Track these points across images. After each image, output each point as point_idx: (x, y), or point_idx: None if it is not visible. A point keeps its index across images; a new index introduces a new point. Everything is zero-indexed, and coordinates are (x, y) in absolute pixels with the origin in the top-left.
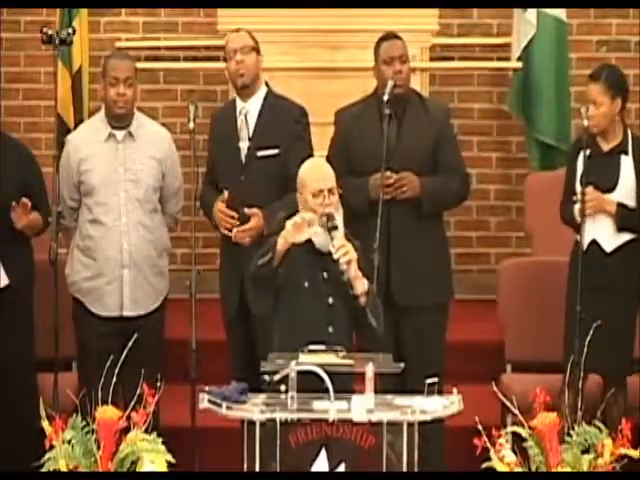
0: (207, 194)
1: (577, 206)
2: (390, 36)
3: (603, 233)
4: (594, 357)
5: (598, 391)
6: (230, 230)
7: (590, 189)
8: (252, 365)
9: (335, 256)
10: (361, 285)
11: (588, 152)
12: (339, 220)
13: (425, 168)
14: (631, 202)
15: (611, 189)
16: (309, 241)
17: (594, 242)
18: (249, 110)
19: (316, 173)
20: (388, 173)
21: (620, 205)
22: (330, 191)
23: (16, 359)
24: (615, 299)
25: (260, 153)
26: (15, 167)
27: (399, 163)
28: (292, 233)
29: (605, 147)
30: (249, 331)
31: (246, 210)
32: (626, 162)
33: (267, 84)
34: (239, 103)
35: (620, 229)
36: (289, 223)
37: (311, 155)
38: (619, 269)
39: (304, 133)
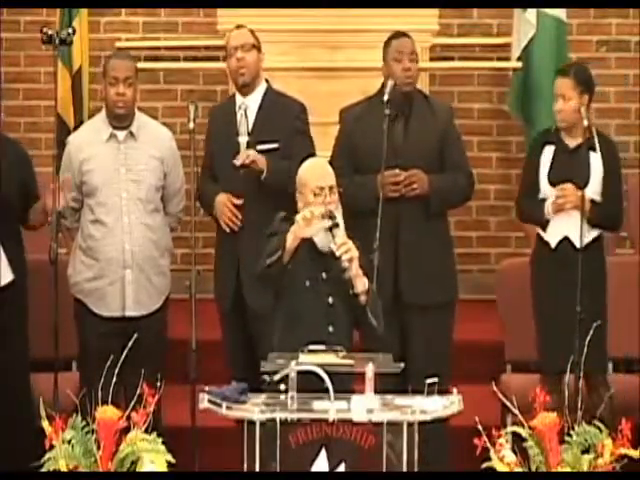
0: (207, 187)
1: (549, 202)
2: (400, 34)
3: (574, 229)
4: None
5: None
6: (231, 226)
7: (570, 185)
8: (249, 363)
9: (337, 253)
10: (362, 283)
11: (553, 148)
12: (339, 218)
13: (432, 166)
14: (597, 198)
15: (583, 185)
16: (310, 240)
17: (565, 238)
18: (249, 105)
19: (316, 171)
20: (397, 171)
21: (591, 201)
22: (331, 189)
23: (11, 359)
24: (587, 295)
25: (260, 147)
26: (13, 167)
27: (406, 161)
28: (302, 228)
29: (571, 143)
30: (245, 327)
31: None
32: (595, 159)
33: (267, 80)
34: (238, 98)
35: (593, 225)
36: (299, 217)
37: (312, 150)
38: (590, 265)
39: (304, 128)
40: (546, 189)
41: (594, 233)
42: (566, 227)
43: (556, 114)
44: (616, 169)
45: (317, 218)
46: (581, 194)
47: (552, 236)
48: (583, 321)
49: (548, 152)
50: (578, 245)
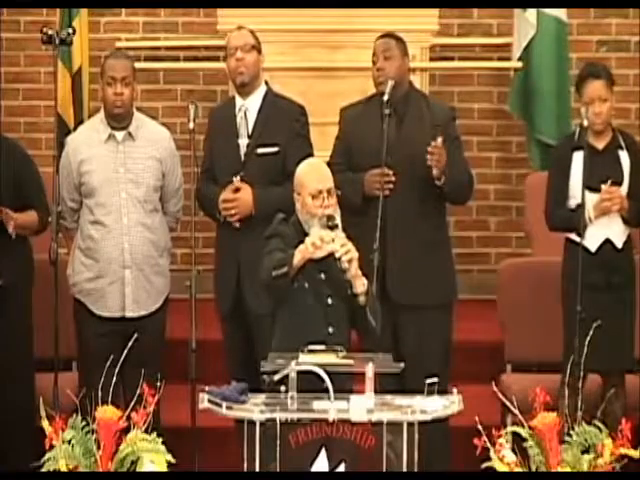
0: (207, 189)
1: (589, 207)
2: (383, 35)
3: (615, 230)
4: (599, 356)
5: (598, 391)
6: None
7: (615, 187)
8: (249, 363)
9: (337, 255)
10: (361, 284)
11: (582, 152)
12: (339, 220)
13: (426, 167)
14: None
15: (619, 185)
16: None
17: (606, 241)
18: (248, 107)
19: (315, 174)
20: (386, 170)
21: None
22: (329, 192)
23: (14, 358)
24: (627, 295)
25: (260, 150)
26: (10, 167)
27: (397, 160)
28: (311, 251)
29: (599, 145)
30: (245, 327)
31: (235, 181)
32: (624, 157)
33: (266, 83)
34: (238, 100)
35: (625, 222)
36: (308, 241)
37: (311, 153)
38: (630, 264)
39: (304, 131)
40: (581, 194)
41: (627, 232)
42: (606, 229)
43: (595, 117)
44: None
45: (327, 243)
46: (624, 195)
47: (592, 240)
48: (584, 321)
49: (578, 157)
50: (620, 246)
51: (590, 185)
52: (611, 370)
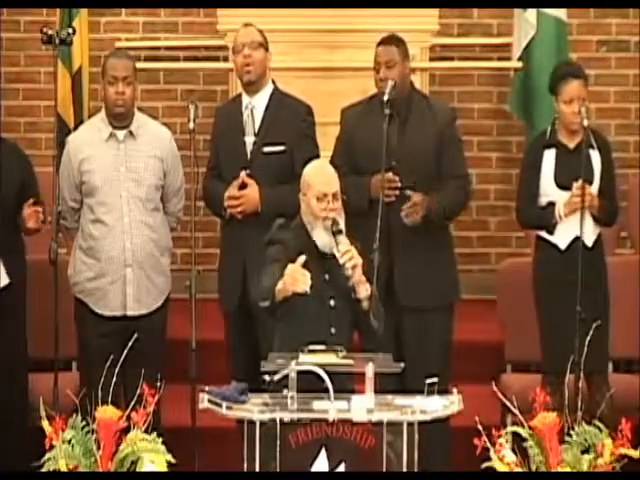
0: (213, 186)
1: (560, 204)
2: (385, 40)
3: (586, 229)
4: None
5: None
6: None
7: (586, 185)
8: (251, 363)
9: (341, 261)
10: (364, 290)
11: (554, 150)
12: (342, 225)
13: (428, 168)
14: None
15: (589, 184)
16: (312, 243)
17: (576, 239)
18: (255, 105)
19: (322, 176)
20: (390, 175)
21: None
22: (334, 196)
23: (8, 359)
24: (597, 294)
25: (266, 149)
26: (13, 169)
27: (401, 162)
28: (292, 285)
29: (570, 144)
30: (249, 327)
31: (241, 175)
32: (595, 156)
33: (273, 81)
34: (245, 98)
35: (595, 221)
36: (286, 277)
37: (317, 154)
38: (598, 263)
39: (310, 131)
40: (553, 192)
41: (597, 231)
42: (576, 227)
43: (573, 117)
44: (612, 164)
45: (303, 275)
46: (594, 193)
47: (562, 238)
48: (584, 321)
49: (549, 155)
50: (590, 244)
51: (561, 183)
52: (588, 371)
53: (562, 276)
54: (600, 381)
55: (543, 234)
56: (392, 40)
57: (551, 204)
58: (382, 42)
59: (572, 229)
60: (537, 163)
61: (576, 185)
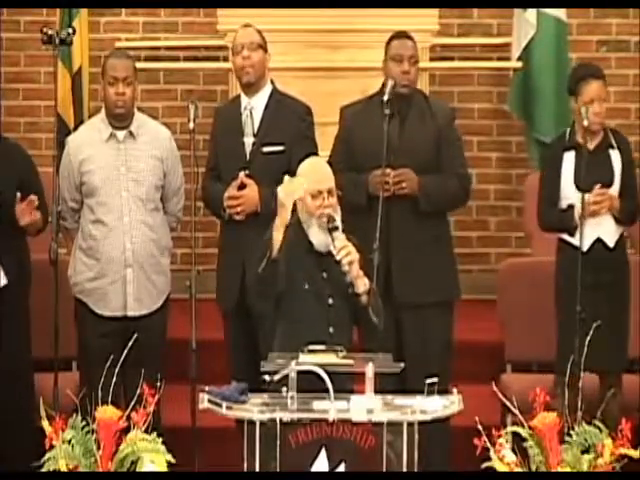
0: (212, 187)
1: (577, 207)
2: (402, 35)
3: (607, 230)
4: (594, 355)
5: (595, 390)
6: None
7: (606, 190)
8: (250, 363)
9: (337, 257)
10: (363, 284)
11: (573, 153)
12: (339, 221)
13: (427, 167)
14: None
15: (610, 184)
16: (308, 242)
17: (597, 240)
18: (254, 106)
19: (315, 174)
20: (388, 170)
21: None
22: (329, 192)
23: (12, 359)
24: (618, 294)
25: (265, 149)
26: (13, 168)
27: (401, 161)
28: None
29: (591, 145)
30: (248, 327)
31: (240, 176)
32: (615, 156)
33: (272, 82)
34: (244, 99)
35: (616, 221)
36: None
37: (316, 154)
38: (622, 263)
39: (309, 131)
40: (572, 195)
41: (619, 231)
42: (598, 229)
43: (595, 117)
44: (633, 164)
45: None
46: (614, 196)
47: (584, 239)
48: (584, 321)
49: (569, 158)
50: (611, 245)
51: (582, 186)
52: (604, 370)
53: (583, 278)
54: (615, 381)
55: (564, 236)
56: (407, 35)
57: (571, 207)
58: (398, 36)
59: (593, 230)
60: (557, 166)
61: (596, 191)
